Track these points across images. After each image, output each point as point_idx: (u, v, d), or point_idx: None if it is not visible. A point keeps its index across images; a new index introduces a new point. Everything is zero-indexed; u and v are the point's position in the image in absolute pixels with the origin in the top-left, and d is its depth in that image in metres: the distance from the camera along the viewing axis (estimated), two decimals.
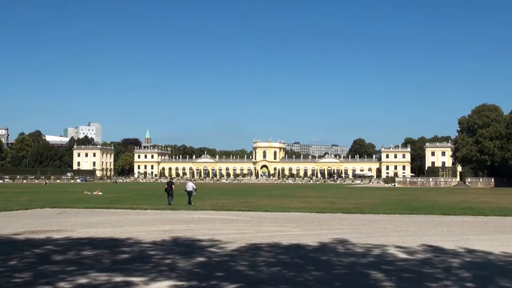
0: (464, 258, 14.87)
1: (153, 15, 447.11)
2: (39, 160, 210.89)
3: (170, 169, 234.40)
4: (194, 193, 40.52)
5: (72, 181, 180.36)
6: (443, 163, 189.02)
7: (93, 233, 20.73)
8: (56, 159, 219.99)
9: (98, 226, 23.66)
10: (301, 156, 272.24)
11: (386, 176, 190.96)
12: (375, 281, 11.83)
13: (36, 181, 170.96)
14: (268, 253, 15.52)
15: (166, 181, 46.28)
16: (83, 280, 11.69)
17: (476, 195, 66.34)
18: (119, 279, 11.85)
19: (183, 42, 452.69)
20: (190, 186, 40.27)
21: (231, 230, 22.20)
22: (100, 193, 62.79)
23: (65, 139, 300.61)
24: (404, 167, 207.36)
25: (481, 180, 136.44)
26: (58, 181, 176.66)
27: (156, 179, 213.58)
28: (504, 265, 13.87)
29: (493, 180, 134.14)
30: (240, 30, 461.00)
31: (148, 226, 23.82)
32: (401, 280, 11.93)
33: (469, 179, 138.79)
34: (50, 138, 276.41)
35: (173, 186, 40.80)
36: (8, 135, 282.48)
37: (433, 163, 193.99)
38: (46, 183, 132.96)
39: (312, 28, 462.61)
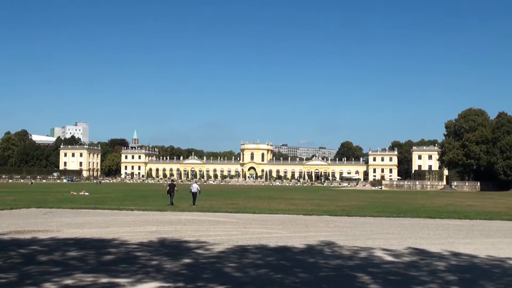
0: (450, 261, 14.97)
1: (141, 15, 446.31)
2: (25, 160, 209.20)
3: (157, 170, 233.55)
4: (198, 194, 41.79)
5: (58, 181, 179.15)
6: (430, 166, 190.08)
7: (79, 234, 20.61)
8: (43, 158, 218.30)
9: (84, 226, 23.53)
10: (289, 158, 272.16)
11: (373, 179, 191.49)
12: (362, 283, 11.87)
13: (22, 180, 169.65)
14: (255, 255, 15.52)
15: (168, 182, 47.61)
16: (68, 281, 11.61)
17: (462, 199, 66.78)
18: (105, 280, 11.79)
19: (171, 43, 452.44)
20: (194, 187, 41.60)
21: (218, 231, 22.18)
22: (86, 193, 62.44)
23: (52, 139, 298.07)
24: (391, 170, 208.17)
25: (467, 184, 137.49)
26: (44, 181, 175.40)
27: (143, 180, 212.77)
28: (489, 269, 13.98)
29: (478, 184, 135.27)
30: (228, 32, 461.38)
31: (134, 227, 23.74)
32: (387, 282, 11.99)
33: (455, 183, 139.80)
34: (36, 138, 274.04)
35: (175, 188, 41.78)
36: None
37: (419, 166, 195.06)
38: (32, 183, 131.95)
39: (300, 30, 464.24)
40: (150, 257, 15.07)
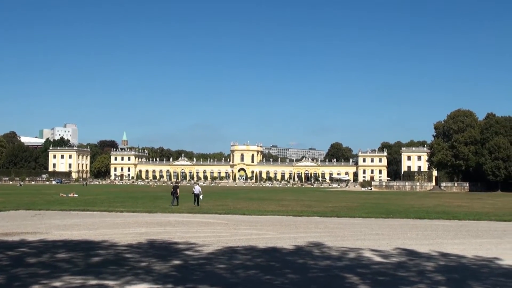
0: (438, 261, 15.07)
1: (131, 16, 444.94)
2: (13, 162, 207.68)
3: (147, 171, 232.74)
4: (201, 197, 43.28)
5: (47, 182, 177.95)
6: (419, 167, 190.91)
7: (68, 236, 20.52)
8: (31, 160, 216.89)
9: (73, 228, 23.44)
10: (279, 159, 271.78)
11: (363, 180, 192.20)
12: (351, 284, 11.93)
13: (11, 182, 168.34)
14: (245, 256, 15.54)
15: (173, 184, 49.10)
16: (57, 283, 11.57)
17: (451, 200, 67.18)
18: (94, 282, 11.76)
19: (162, 44, 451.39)
20: (197, 189, 43.31)
21: (208, 233, 22.16)
22: (75, 195, 62.15)
23: (41, 141, 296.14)
24: (380, 171, 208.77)
25: (456, 184, 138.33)
26: (33, 182, 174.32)
27: (133, 182, 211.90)
28: (476, 269, 14.09)
29: (467, 184, 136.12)
30: (219, 33, 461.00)
31: (124, 228, 23.67)
32: (376, 283, 12.05)
33: (444, 184, 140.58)
34: (25, 139, 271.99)
35: (178, 189, 43.28)
36: None
37: (409, 167, 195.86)
38: (20, 185, 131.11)
39: (292, 32, 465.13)
40: (139, 258, 15.04)
